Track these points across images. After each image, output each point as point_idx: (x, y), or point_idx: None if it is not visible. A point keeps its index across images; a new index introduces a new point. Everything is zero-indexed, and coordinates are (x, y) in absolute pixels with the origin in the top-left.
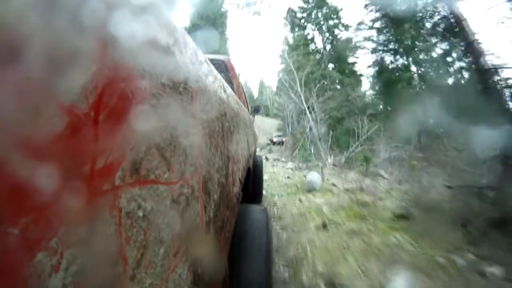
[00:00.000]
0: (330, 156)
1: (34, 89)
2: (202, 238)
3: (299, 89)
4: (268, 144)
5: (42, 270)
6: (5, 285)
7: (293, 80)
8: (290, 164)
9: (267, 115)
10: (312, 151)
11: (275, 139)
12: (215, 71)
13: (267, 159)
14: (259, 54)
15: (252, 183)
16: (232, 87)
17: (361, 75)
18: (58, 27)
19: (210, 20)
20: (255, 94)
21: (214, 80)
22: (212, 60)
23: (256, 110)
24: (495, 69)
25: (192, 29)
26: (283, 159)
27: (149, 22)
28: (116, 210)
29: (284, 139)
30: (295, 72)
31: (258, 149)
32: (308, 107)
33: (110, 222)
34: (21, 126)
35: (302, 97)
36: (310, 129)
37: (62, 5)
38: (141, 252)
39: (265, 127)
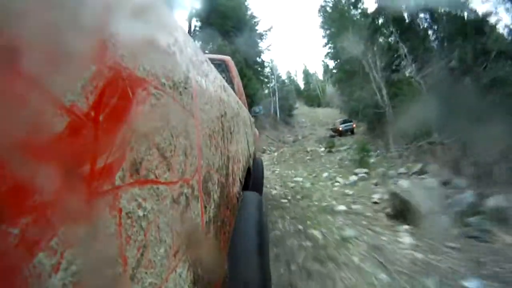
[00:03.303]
0: None
1: (35, 89)
2: (202, 238)
3: None
4: (331, 137)
5: (42, 270)
6: (5, 285)
7: None
8: None
9: (318, 105)
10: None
11: (341, 127)
12: (215, 71)
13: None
14: (297, 40)
15: (253, 182)
16: (232, 87)
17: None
18: (59, 27)
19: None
20: (301, 85)
21: (214, 80)
22: (212, 60)
23: (256, 110)
24: None
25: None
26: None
27: (150, 21)
28: (116, 210)
29: (354, 125)
30: None
31: (322, 149)
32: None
33: (110, 222)
34: (21, 126)
35: None
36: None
37: (62, 5)
38: (141, 251)
39: (320, 118)
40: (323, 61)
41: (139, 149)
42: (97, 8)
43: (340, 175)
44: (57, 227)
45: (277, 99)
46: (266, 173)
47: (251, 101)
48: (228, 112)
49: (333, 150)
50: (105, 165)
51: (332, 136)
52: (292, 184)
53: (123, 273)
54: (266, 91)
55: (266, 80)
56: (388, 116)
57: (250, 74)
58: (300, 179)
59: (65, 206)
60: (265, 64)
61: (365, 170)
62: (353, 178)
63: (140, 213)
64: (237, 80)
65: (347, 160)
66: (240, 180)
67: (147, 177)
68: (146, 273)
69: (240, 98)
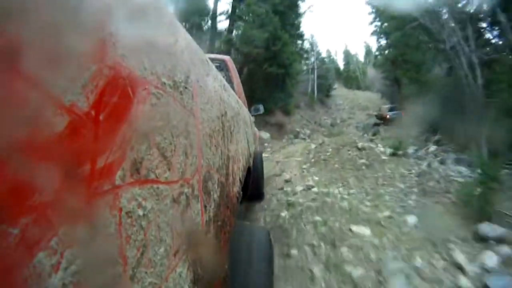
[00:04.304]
0: None
1: (35, 89)
2: (202, 237)
3: None
4: (376, 125)
5: (42, 270)
6: (5, 285)
7: None
8: None
9: (358, 88)
10: None
11: (388, 115)
12: (215, 71)
13: None
14: (338, 19)
15: (252, 182)
16: (232, 87)
17: None
18: (59, 27)
19: None
20: (341, 66)
21: (215, 80)
22: (212, 60)
23: (256, 109)
24: None
25: None
26: None
27: (150, 21)
28: (116, 210)
29: (402, 113)
30: None
31: (381, 148)
32: None
33: (110, 221)
34: (21, 126)
35: None
36: None
37: (62, 5)
38: (141, 251)
39: (359, 101)
40: (365, 42)
41: (139, 149)
42: (97, 8)
43: (450, 234)
44: (57, 227)
45: (315, 77)
46: (296, 188)
47: (285, 72)
48: (228, 111)
49: (399, 152)
50: (105, 165)
51: (376, 124)
52: (357, 272)
53: (123, 272)
54: (305, 68)
55: (305, 55)
56: (482, 110)
57: (286, 37)
58: (367, 232)
59: (65, 206)
60: (305, 38)
61: (498, 228)
62: (491, 259)
63: (140, 212)
64: (236, 79)
65: (432, 180)
66: (240, 180)
67: (148, 176)
68: (146, 272)
69: (240, 97)
